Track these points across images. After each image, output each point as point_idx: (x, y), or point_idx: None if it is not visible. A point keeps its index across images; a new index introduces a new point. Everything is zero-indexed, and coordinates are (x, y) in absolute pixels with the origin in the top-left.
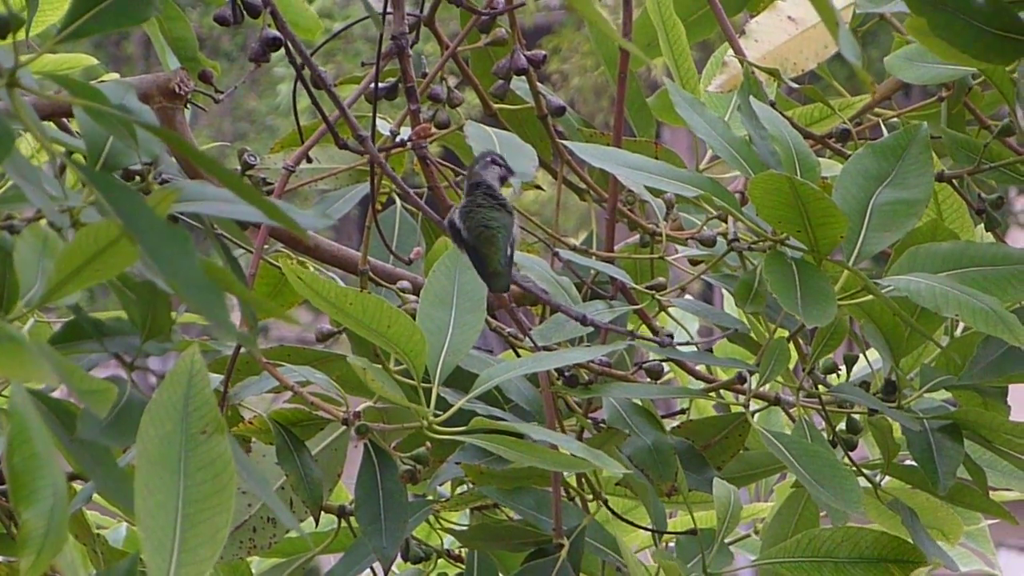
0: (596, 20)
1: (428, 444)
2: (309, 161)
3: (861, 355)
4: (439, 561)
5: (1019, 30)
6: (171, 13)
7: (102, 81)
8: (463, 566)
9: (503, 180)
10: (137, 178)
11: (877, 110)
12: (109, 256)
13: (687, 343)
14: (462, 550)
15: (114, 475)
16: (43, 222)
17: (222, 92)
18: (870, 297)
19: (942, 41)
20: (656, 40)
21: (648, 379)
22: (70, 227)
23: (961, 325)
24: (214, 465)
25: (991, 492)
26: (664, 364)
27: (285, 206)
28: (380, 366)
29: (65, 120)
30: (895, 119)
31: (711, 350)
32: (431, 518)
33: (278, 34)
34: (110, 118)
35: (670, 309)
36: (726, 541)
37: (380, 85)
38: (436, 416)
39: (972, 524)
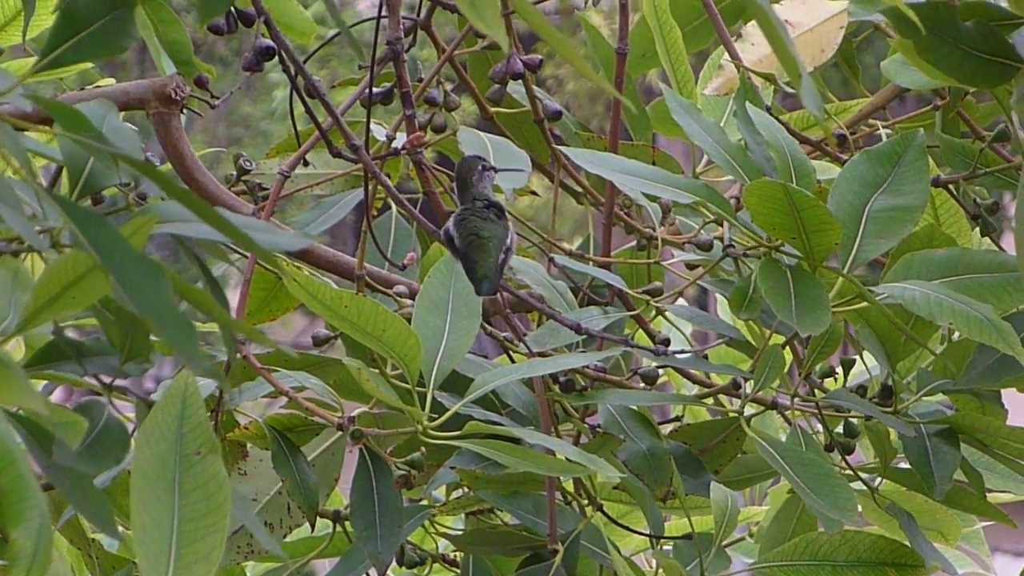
0: (569, 55)
1: (423, 449)
2: (305, 165)
3: (858, 359)
4: (434, 566)
5: (1006, 54)
6: (166, 17)
7: (98, 86)
8: (458, 571)
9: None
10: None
11: (871, 120)
12: (86, 284)
13: (683, 351)
14: (457, 555)
15: (92, 498)
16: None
17: (218, 97)
18: (866, 304)
19: (929, 64)
20: (652, 51)
21: (643, 384)
22: (50, 247)
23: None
24: (208, 485)
25: (987, 494)
26: (660, 369)
27: (262, 227)
28: (375, 371)
29: None
30: (887, 129)
31: (707, 356)
32: (426, 523)
33: (272, 43)
34: (91, 147)
35: (665, 313)
36: (722, 544)
37: (375, 90)
38: (431, 420)
39: (967, 526)
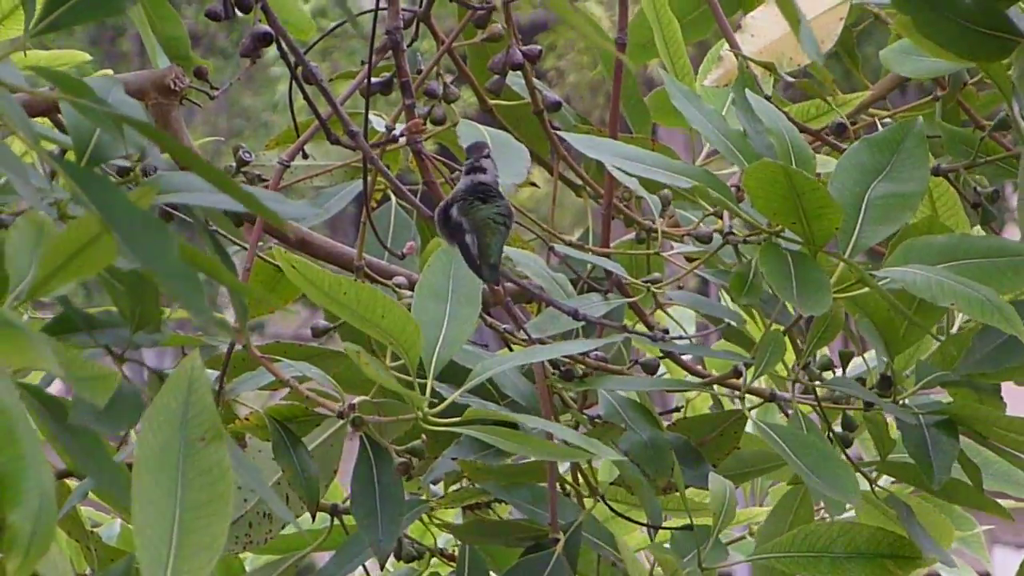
0: (579, 25)
1: (424, 437)
2: (305, 157)
3: (855, 350)
4: (432, 560)
5: (1005, 28)
6: (163, 12)
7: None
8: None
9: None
10: (133, 170)
11: (872, 110)
12: (94, 250)
13: (682, 336)
14: (455, 550)
15: (107, 468)
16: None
17: (217, 88)
18: (866, 290)
19: (929, 40)
20: (651, 41)
21: (644, 374)
22: (57, 219)
23: (957, 322)
24: (212, 472)
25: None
26: (661, 363)
27: (268, 195)
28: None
29: (60, 116)
30: (888, 119)
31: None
32: (425, 517)
33: (269, 29)
34: (96, 112)
35: (669, 309)
36: (722, 541)
37: (374, 80)
38: (431, 407)
39: (967, 530)
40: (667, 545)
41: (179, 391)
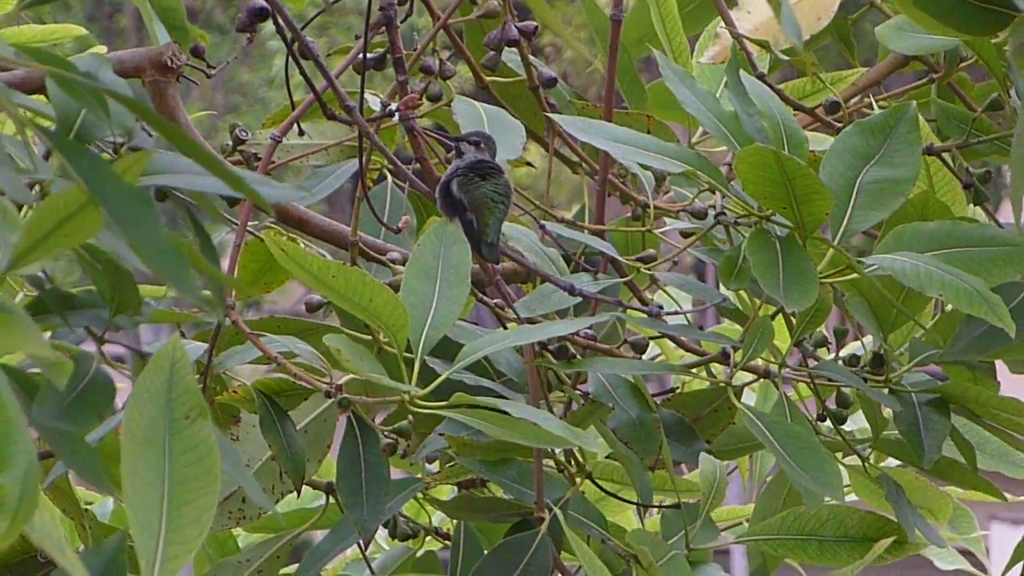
0: (553, 25)
1: (411, 417)
2: (301, 135)
3: (851, 328)
4: (427, 539)
5: (1002, 1)
6: None
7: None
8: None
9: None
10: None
11: (867, 96)
12: (77, 222)
13: (676, 312)
14: (450, 528)
15: (81, 451)
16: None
17: (214, 67)
18: (855, 275)
19: (924, 12)
20: (651, 34)
21: (633, 353)
22: (40, 199)
23: None
24: (198, 448)
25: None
26: (656, 342)
27: (256, 178)
28: (368, 337)
29: None
30: (884, 102)
31: (701, 327)
32: (419, 496)
33: (265, 4)
34: (80, 87)
35: (666, 287)
36: (713, 520)
37: (368, 56)
38: (419, 390)
39: (966, 532)
40: (659, 533)
41: (161, 372)
